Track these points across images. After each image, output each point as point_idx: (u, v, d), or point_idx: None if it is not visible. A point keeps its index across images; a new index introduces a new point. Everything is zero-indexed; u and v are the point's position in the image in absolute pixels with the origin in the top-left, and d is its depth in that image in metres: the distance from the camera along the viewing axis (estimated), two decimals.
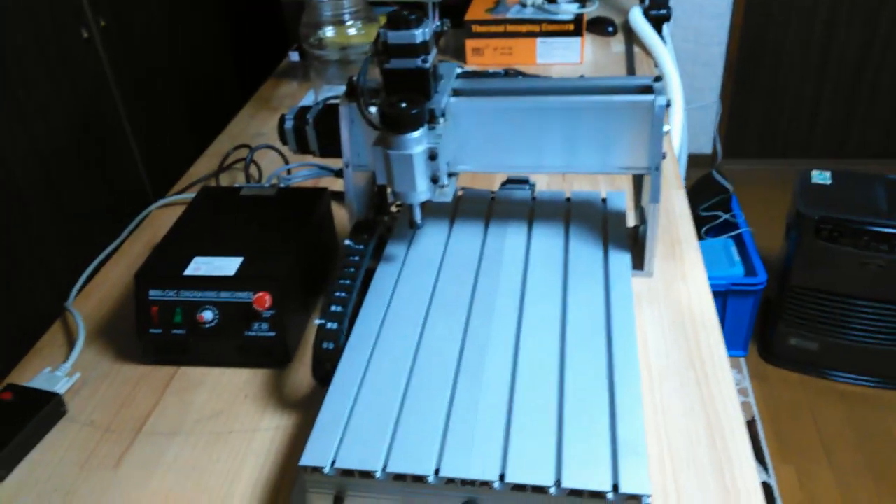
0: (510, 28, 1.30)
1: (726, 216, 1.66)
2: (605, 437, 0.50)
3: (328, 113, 0.69)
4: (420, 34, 0.58)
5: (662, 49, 1.33)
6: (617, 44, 1.40)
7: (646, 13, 1.43)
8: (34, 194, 0.79)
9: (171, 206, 0.96)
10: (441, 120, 0.63)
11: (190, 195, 0.97)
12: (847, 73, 2.29)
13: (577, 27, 1.29)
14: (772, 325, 1.69)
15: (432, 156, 0.61)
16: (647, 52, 1.36)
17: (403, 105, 0.59)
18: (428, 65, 0.60)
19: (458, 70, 0.68)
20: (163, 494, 0.57)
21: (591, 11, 1.38)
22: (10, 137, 0.77)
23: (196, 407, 0.65)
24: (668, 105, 0.62)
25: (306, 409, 0.64)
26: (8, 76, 0.77)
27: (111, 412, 0.65)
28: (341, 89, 0.71)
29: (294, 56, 1.32)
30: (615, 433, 0.50)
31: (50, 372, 0.68)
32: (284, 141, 0.71)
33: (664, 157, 0.64)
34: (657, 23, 1.44)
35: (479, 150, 0.70)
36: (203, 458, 0.60)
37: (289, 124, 0.70)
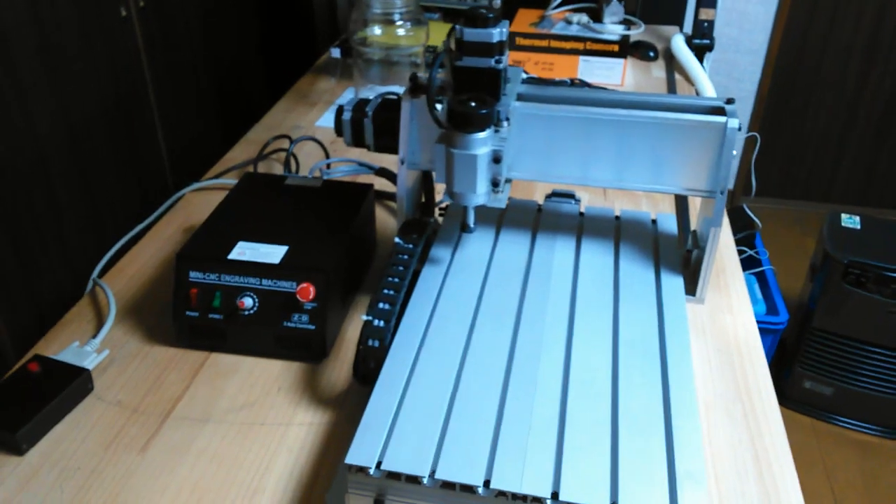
0: (554, 44, 1.29)
1: (750, 252, 1.64)
2: (661, 462, 0.48)
3: (388, 107, 0.68)
4: (497, 33, 0.57)
5: (705, 78, 1.32)
6: (657, 69, 1.39)
7: (688, 41, 1.43)
8: (61, 167, 0.78)
9: (204, 190, 0.95)
10: (505, 123, 0.62)
11: (225, 181, 0.95)
12: (875, 120, 2.28)
13: (621, 49, 1.28)
14: (787, 366, 1.67)
15: (496, 159, 0.59)
16: (687, 79, 1.35)
17: (473, 104, 0.57)
18: (502, 65, 0.58)
19: (524, 75, 0.67)
20: (191, 483, 0.55)
21: (636, 34, 1.37)
22: (44, 109, 0.76)
23: (228, 395, 0.63)
24: (739, 129, 0.60)
25: (341, 407, 0.62)
26: (48, 48, 0.76)
27: (139, 393, 0.63)
28: (382, 90, 0.70)
29: (335, 52, 1.31)
30: (672, 459, 0.48)
31: (78, 346, 0.66)
32: (340, 132, 0.70)
33: None
34: (699, 52, 1.43)
35: (534, 158, 0.69)
36: (234, 448, 0.58)
37: (347, 115, 0.68)
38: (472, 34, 0.57)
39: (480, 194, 0.61)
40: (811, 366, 1.60)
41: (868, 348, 1.53)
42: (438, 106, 0.61)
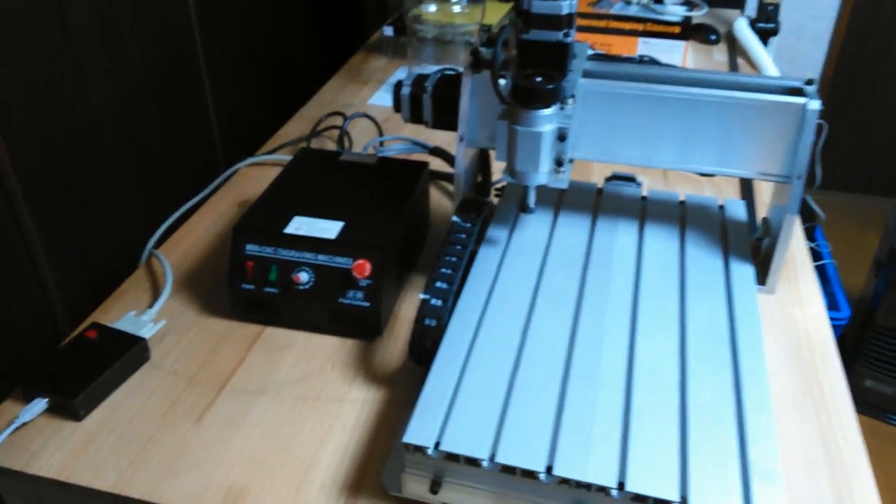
0: (612, 24, 1.26)
1: (811, 245, 1.59)
2: (734, 457, 0.46)
3: (448, 83, 0.66)
4: (567, 5, 0.55)
5: (770, 63, 1.27)
6: (719, 53, 1.35)
7: (752, 24, 1.38)
8: (114, 139, 0.79)
9: (258, 165, 0.95)
10: (570, 100, 0.59)
11: (278, 156, 0.95)
12: None
13: (683, 31, 1.24)
14: (847, 364, 1.61)
15: (561, 136, 0.57)
16: (751, 64, 1.30)
17: (539, 79, 0.55)
18: (570, 39, 0.56)
19: (590, 51, 0.64)
20: (246, 454, 0.55)
21: (699, 16, 1.33)
22: (99, 81, 0.76)
23: (282, 369, 0.62)
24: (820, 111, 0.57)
25: (395, 386, 0.61)
26: (105, 22, 0.77)
27: (195, 364, 0.63)
28: (435, 69, 0.69)
29: (388, 31, 1.29)
30: (745, 455, 0.46)
31: (135, 316, 0.67)
32: (398, 108, 0.68)
33: None
34: (764, 35, 1.38)
35: (596, 138, 0.66)
36: (288, 422, 0.57)
37: (406, 91, 0.67)
38: (540, 6, 0.55)
39: (543, 173, 0.59)
40: (872, 364, 1.55)
41: None
42: (501, 81, 0.60)
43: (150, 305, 0.69)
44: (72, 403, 0.57)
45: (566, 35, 0.56)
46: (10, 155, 0.67)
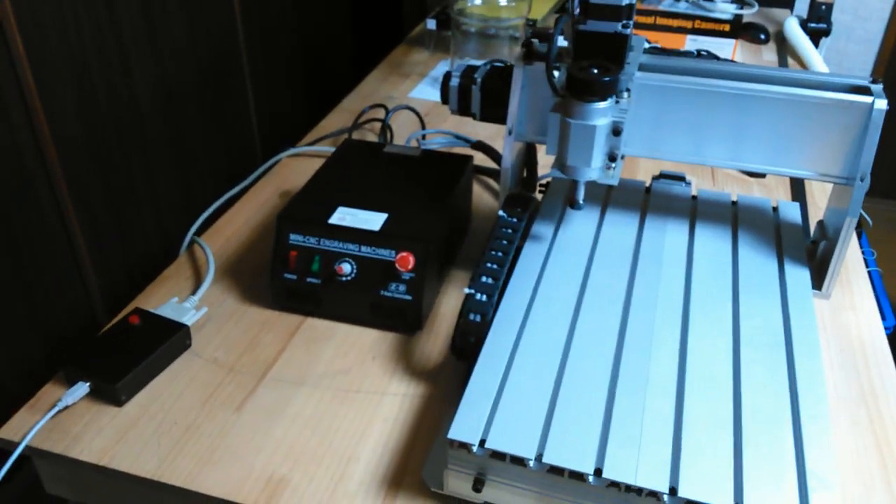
0: (661, 21, 1.24)
1: None
2: (790, 464, 0.44)
3: (498, 75, 0.65)
4: None
5: (822, 64, 1.24)
6: (768, 52, 1.32)
7: (802, 25, 1.34)
8: (156, 128, 0.79)
9: (300, 156, 0.94)
10: (625, 94, 0.58)
11: (320, 147, 0.95)
12: None
13: (733, 29, 1.21)
14: None
15: (616, 131, 0.56)
16: (801, 64, 1.27)
17: (595, 71, 0.54)
18: (629, 31, 0.55)
19: (647, 44, 0.63)
20: (287, 445, 0.54)
21: (749, 14, 1.30)
22: (144, 73, 0.77)
23: (323, 360, 0.62)
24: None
25: (435, 381, 0.60)
26: (151, 15, 0.77)
27: (236, 352, 0.63)
28: (478, 63, 0.67)
29: (431, 24, 1.28)
30: (802, 462, 0.44)
31: (177, 302, 0.67)
32: (445, 100, 0.67)
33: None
34: (815, 36, 1.35)
35: (647, 133, 0.65)
36: (329, 413, 0.57)
37: (454, 82, 0.66)
38: None
39: (595, 168, 0.57)
40: None
41: None
42: (555, 73, 0.58)
43: (193, 293, 0.69)
44: (114, 388, 0.57)
45: (625, 26, 0.55)
46: (55, 141, 0.68)
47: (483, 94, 0.66)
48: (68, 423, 0.56)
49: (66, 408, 0.57)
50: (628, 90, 0.58)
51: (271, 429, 0.56)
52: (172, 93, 0.82)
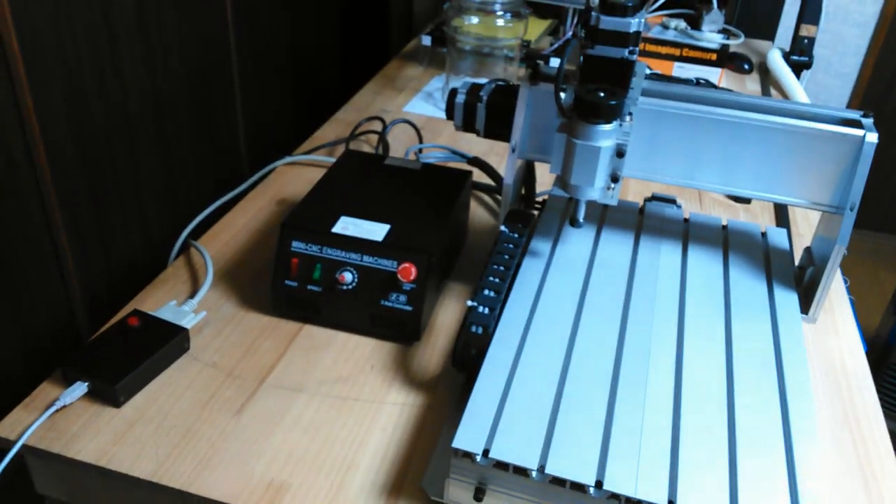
0: (649, 48, 1.26)
1: None
2: (783, 482, 0.46)
3: (503, 93, 0.67)
4: (635, 24, 0.55)
5: (803, 96, 1.28)
6: (752, 82, 1.35)
7: (786, 57, 1.38)
8: (145, 133, 0.79)
9: (295, 164, 0.95)
10: (628, 118, 0.60)
11: (316, 157, 0.95)
12: None
13: (719, 58, 1.24)
14: None
15: (619, 153, 0.57)
16: (783, 95, 1.31)
17: (602, 94, 0.56)
18: (635, 56, 0.56)
19: (648, 71, 0.65)
20: (286, 451, 0.54)
21: (735, 45, 1.33)
22: (136, 77, 0.77)
23: (322, 368, 0.62)
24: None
25: (433, 391, 0.61)
26: (146, 19, 0.77)
27: (234, 357, 0.63)
28: (473, 82, 0.69)
29: (426, 40, 1.30)
30: (794, 481, 0.46)
31: (176, 306, 0.67)
32: (450, 115, 0.69)
33: None
34: (796, 68, 1.39)
35: (643, 156, 0.67)
36: (328, 420, 0.57)
37: (460, 98, 0.67)
38: (608, 22, 0.56)
39: (598, 188, 0.59)
40: (886, 402, 1.54)
41: None
42: (562, 95, 0.60)
43: (191, 296, 0.69)
44: (113, 389, 0.57)
45: (632, 52, 0.56)
46: (45, 142, 0.68)
47: (488, 112, 0.67)
48: (66, 422, 0.56)
49: (64, 407, 0.57)
50: (631, 114, 0.60)
51: (271, 434, 0.56)
52: (162, 96, 0.83)
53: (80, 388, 0.57)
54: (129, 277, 0.81)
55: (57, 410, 0.56)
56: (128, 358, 0.59)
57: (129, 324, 0.63)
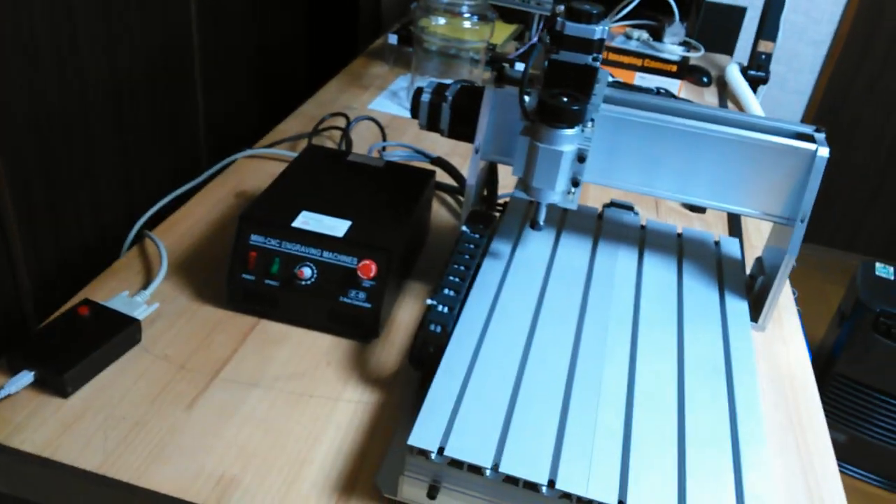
0: (612, 57, 1.28)
1: None
2: (729, 482, 0.47)
3: (468, 94, 0.67)
4: (599, 31, 0.56)
5: (759, 110, 1.31)
6: (710, 95, 1.39)
7: (743, 71, 1.42)
8: (103, 119, 0.78)
9: (256, 157, 0.94)
10: (590, 123, 0.61)
11: (277, 150, 0.94)
12: None
13: (679, 70, 1.27)
14: None
15: (581, 158, 0.58)
16: (740, 108, 1.34)
17: (565, 99, 0.56)
18: (598, 64, 0.57)
19: (610, 79, 0.66)
20: (238, 446, 0.54)
21: (695, 58, 1.36)
22: (95, 61, 0.75)
23: (277, 363, 0.62)
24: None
25: (390, 389, 0.61)
26: (109, 1, 0.76)
27: (187, 350, 0.62)
28: (438, 82, 0.69)
29: (392, 39, 1.30)
30: (740, 481, 0.47)
31: (128, 296, 0.65)
32: (415, 114, 0.69)
33: None
34: (753, 83, 1.42)
35: (602, 162, 0.68)
36: (282, 416, 0.57)
37: (426, 97, 0.67)
38: (573, 28, 0.57)
39: (559, 192, 0.60)
40: (828, 412, 1.59)
41: (888, 399, 1.52)
42: (526, 98, 0.60)
43: (144, 287, 0.68)
44: (61, 379, 0.55)
45: (595, 59, 0.57)
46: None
47: (453, 112, 0.67)
48: (9, 412, 0.54)
49: (8, 396, 0.55)
50: (593, 120, 0.61)
51: (223, 428, 0.55)
52: (121, 81, 0.81)
53: (26, 377, 0.56)
54: (82, 266, 0.79)
55: (0, 400, 0.55)
56: (77, 347, 0.58)
57: (79, 313, 0.61)
